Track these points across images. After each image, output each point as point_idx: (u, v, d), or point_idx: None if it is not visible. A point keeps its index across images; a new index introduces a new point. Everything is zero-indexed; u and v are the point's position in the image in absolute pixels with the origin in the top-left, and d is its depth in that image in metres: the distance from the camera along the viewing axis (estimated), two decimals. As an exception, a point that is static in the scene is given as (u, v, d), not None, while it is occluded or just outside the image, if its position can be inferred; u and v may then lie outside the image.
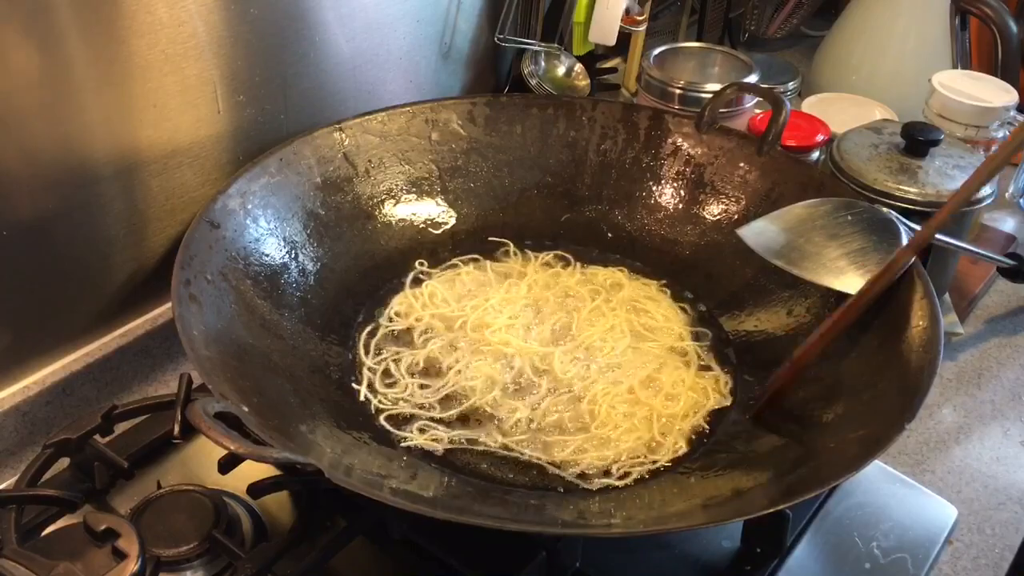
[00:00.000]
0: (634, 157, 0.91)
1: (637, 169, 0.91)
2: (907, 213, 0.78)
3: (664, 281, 0.85)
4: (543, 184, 0.91)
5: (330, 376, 0.73)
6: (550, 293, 0.82)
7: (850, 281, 0.71)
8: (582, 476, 0.67)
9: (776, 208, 0.78)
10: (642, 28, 1.10)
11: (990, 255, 0.87)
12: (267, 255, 0.76)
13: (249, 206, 0.76)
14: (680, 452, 0.69)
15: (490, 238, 0.88)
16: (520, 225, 0.90)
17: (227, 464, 0.53)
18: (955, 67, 1.15)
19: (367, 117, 0.86)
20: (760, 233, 0.75)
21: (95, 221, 0.72)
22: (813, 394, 0.70)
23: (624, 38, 1.09)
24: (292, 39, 0.81)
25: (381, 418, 0.71)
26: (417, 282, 0.84)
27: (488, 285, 0.83)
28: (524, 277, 0.84)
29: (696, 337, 0.80)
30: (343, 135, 0.84)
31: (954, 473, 0.77)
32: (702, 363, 0.77)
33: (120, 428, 0.65)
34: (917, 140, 0.86)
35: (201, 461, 0.68)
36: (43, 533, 0.60)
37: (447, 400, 0.73)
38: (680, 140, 0.90)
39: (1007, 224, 1.09)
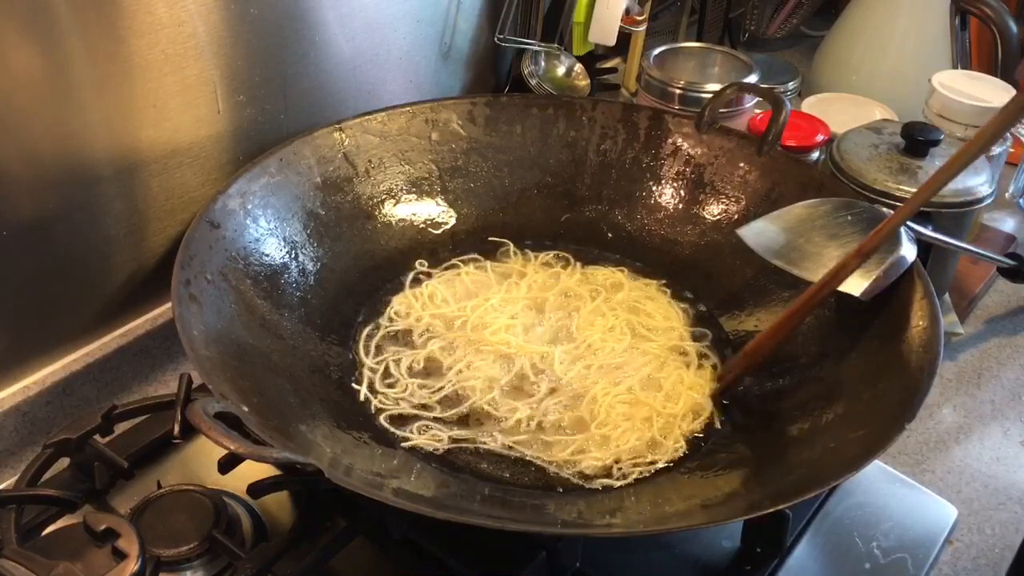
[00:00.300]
0: (634, 157, 0.91)
1: (637, 169, 0.91)
2: (907, 213, 0.78)
3: (664, 281, 0.85)
4: (543, 184, 0.91)
5: (330, 376, 0.73)
6: (550, 293, 0.82)
7: (850, 281, 0.71)
8: (582, 476, 0.67)
9: (776, 208, 0.78)
10: (642, 28, 1.10)
11: (990, 255, 0.87)
12: (267, 255, 0.76)
13: (249, 206, 0.76)
14: (680, 452, 0.69)
15: (490, 238, 0.88)
16: (520, 225, 0.90)
17: (227, 464, 0.53)
18: (955, 67, 1.15)
19: (367, 117, 0.86)
20: (760, 233, 0.75)
21: (95, 221, 0.72)
22: (813, 394, 0.70)
23: (624, 38, 1.09)
24: (292, 39, 0.81)
25: (381, 418, 0.71)
26: (417, 282, 0.84)
27: (488, 285, 0.83)
28: (524, 277, 0.84)
29: (696, 337, 0.80)
30: (343, 135, 0.84)
31: (954, 473, 0.77)
32: (702, 363, 0.77)
33: (120, 428, 0.65)
34: (917, 140, 0.86)
35: (201, 461, 0.68)
36: (43, 533, 0.60)
37: (447, 400, 0.73)
38: (680, 140, 0.90)
39: (1007, 224, 1.09)
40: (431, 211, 0.88)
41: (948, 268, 0.91)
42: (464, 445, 0.69)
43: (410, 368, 0.75)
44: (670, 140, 0.90)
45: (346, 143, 0.84)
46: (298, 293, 0.77)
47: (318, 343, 0.75)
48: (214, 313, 0.67)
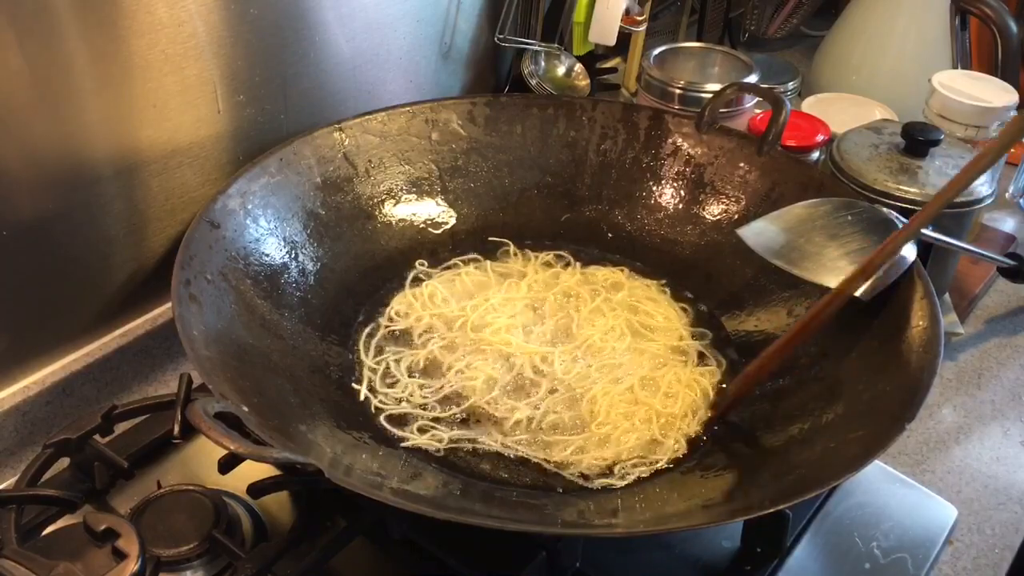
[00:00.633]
0: (634, 157, 0.91)
1: (637, 169, 0.91)
2: (907, 213, 0.78)
3: (664, 281, 0.85)
4: (543, 184, 0.91)
5: (330, 376, 0.73)
6: (550, 293, 0.82)
7: (850, 281, 0.71)
8: (582, 476, 0.67)
9: (776, 208, 0.78)
10: (642, 28, 1.10)
11: (990, 255, 0.87)
12: (267, 255, 0.76)
13: (249, 206, 0.76)
14: (680, 452, 0.69)
15: (490, 238, 0.88)
16: (520, 225, 0.90)
17: (227, 464, 0.53)
18: (955, 67, 1.15)
19: (367, 117, 0.86)
20: (760, 233, 0.75)
21: (95, 221, 0.72)
22: (813, 394, 0.70)
23: (624, 38, 1.09)
24: (292, 39, 0.81)
25: (381, 418, 0.71)
26: (417, 282, 0.84)
27: (488, 285, 0.83)
28: (524, 277, 0.84)
29: (696, 337, 0.80)
30: (343, 135, 0.84)
31: (954, 473, 0.77)
32: (702, 363, 0.77)
33: (120, 428, 0.65)
34: (917, 140, 0.86)
35: (201, 461, 0.68)
36: (43, 533, 0.60)
37: (447, 400, 0.73)
38: (680, 140, 0.90)
39: (1007, 224, 1.09)
40: (431, 211, 0.88)
41: (948, 268, 0.91)
42: (464, 445, 0.69)
43: (410, 368, 0.75)
44: (670, 140, 0.90)
45: (346, 143, 0.84)
46: (298, 293, 0.77)
47: (318, 343, 0.75)
48: (214, 313, 0.67)
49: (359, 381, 0.74)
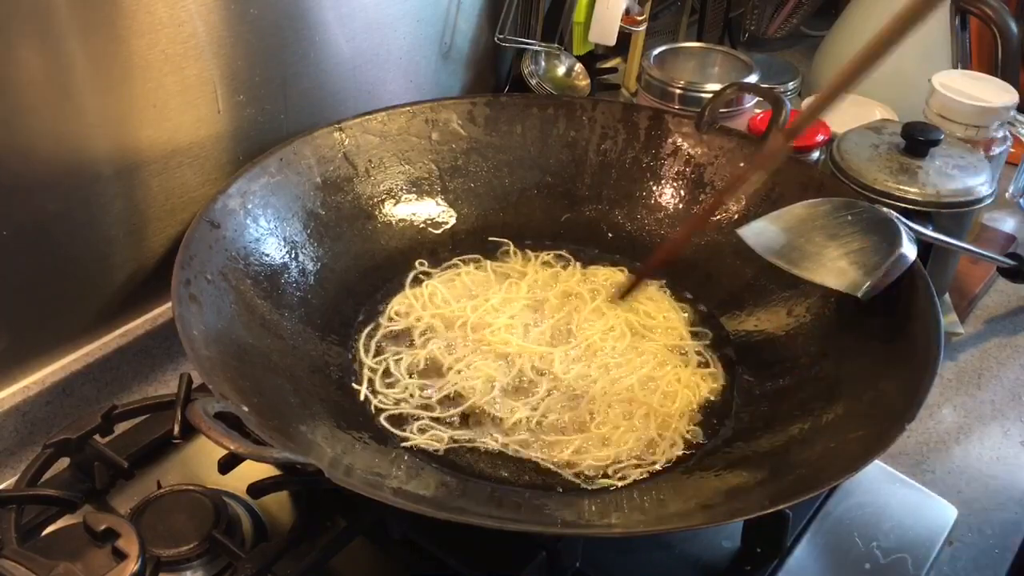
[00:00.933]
0: (634, 157, 0.91)
1: (637, 169, 0.91)
2: (907, 213, 0.78)
3: (664, 281, 0.85)
4: (543, 184, 0.91)
5: (330, 376, 0.73)
6: (550, 293, 0.82)
7: (850, 281, 0.71)
8: (582, 476, 0.67)
9: (776, 208, 0.78)
10: (642, 28, 1.10)
11: (990, 255, 0.87)
12: (267, 255, 0.76)
13: (249, 206, 0.76)
14: (680, 452, 0.69)
15: (490, 238, 0.88)
16: (520, 225, 0.90)
17: (227, 464, 0.53)
18: (955, 67, 1.15)
19: (367, 117, 0.86)
20: (760, 233, 0.75)
21: (95, 221, 0.72)
22: (813, 394, 0.70)
23: (624, 38, 1.09)
24: (292, 39, 0.81)
25: (381, 418, 0.71)
26: (417, 282, 0.84)
27: (488, 285, 0.83)
28: (524, 277, 0.84)
29: (696, 337, 0.80)
30: (343, 135, 0.84)
31: (954, 473, 0.77)
32: (701, 362, 0.77)
33: (120, 428, 0.65)
34: (917, 140, 0.86)
35: (201, 461, 0.68)
36: (43, 533, 0.60)
37: (447, 400, 0.73)
38: (680, 140, 0.90)
39: (1007, 224, 1.09)
40: (431, 211, 0.88)
41: (948, 268, 0.91)
42: (464, 445, 0.69)
43: (410, 368, 0.75)
44: (670, 140, 0.90)
45: (346, 143, 0.84)
46: (298, 293, 0.77)
47: (318, 343, 0.75)
48: (214, 313, 0.67)
49: (359, 381, 0.74)
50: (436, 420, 0.71)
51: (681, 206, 0.89)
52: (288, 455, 0.51)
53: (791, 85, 1.15)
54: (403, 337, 0.78)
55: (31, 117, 0.65)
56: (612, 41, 1.05)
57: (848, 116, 0.99)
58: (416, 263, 0.85)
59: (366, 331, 0.78)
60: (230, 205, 0.74)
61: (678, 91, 0.99)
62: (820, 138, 0.93)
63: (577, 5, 1.05)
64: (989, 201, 0.86)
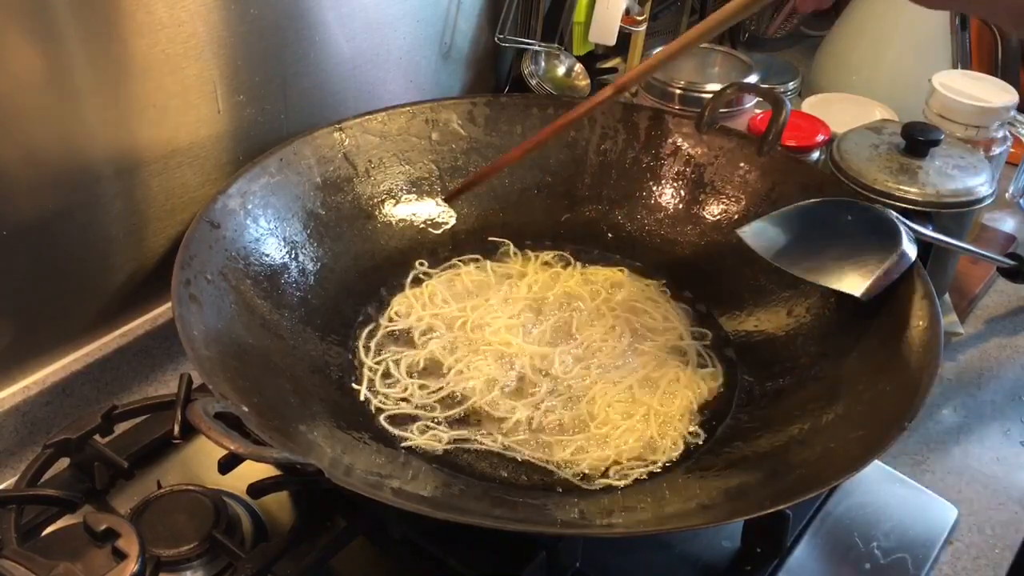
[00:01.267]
0: (634, 157, 0.91)
1: (637, 169, 0.91)
2: (907, 213, 0.78)
3: (664, 281, 0.85)
4: (543, 184, 0.91)
5: (330, 376, 0.73)
6: (550, 293, 0.82)
7: (850, 281, 0.71)
8: (582, 476, 0.67)
9: (776, 208, 0.78)
10: (642, 28, 1.10)
11: (990, 255, 0.87)
12: (267, 255, 0.76)
13: (249, 206, 0.76)
14: (679, 452, 0.70)
15: (490, 238, 0.88)
16: (520, 225, 0.90)
17: (227, 464, 0.53)
18: (955, 67, 1.15)
19: (367, 117, 0.86)
20: (760, 233, 0.75)
21: (95, 221, 0.72)
22: (813, 394, 0.70)
23: (624, 38, 1.09)
24: (292, 39, 0.81)
25: (381, 418, 0.71)
26: (417, 282, 0.84)
27: (488, 285, 0.83)
28: (524, 277, 0.84)
29: (696, 337, 0.80)
30: (343, 135, 0.84)
31: (954, 473, 0.77)
32: (701, 363, 0.77)
33: (120, 428, 0.65)
34: (917, 140, 0.86)
35: (201, 461, 0.68)
36: (43, 533, 0.60)
37: (447, 400, 0.73)
38: (680, 140, 0.90)
39: (1007, 224, 1.09)
40: (431, 211, 0.88)
41: (948, 268, 0.91)
42: (464, 445, 0.69)
43: (410, 368, 0.75)
44: (670, 140, 0.90)
45: (346, 143, 0.84)
46: (298, 293, 0.77)
47: (318, 343, 0.75)
48: (214, 313, 0.67)
49: (359, 381, 0.74)
50: (436, 420, 0.71)
51: (681, 206, 0.89)
52: (288, 455, 0.51)
53: (791, 85, 1.15)
54: (403, 337, 0.78)
55: (31, 117, 0.65)
56: (612, 41, 1.05)
57: (848, 116, 0.99)
58: (416, 263, 0.85)
59: (366, 331, 0.78)
60: (230, 205, 0.74)
61: (678, 91, 0.99)
62: (820, 138, 0.93)
63: (577, 5, 1.05)
64: (989, 201, 0.85)
